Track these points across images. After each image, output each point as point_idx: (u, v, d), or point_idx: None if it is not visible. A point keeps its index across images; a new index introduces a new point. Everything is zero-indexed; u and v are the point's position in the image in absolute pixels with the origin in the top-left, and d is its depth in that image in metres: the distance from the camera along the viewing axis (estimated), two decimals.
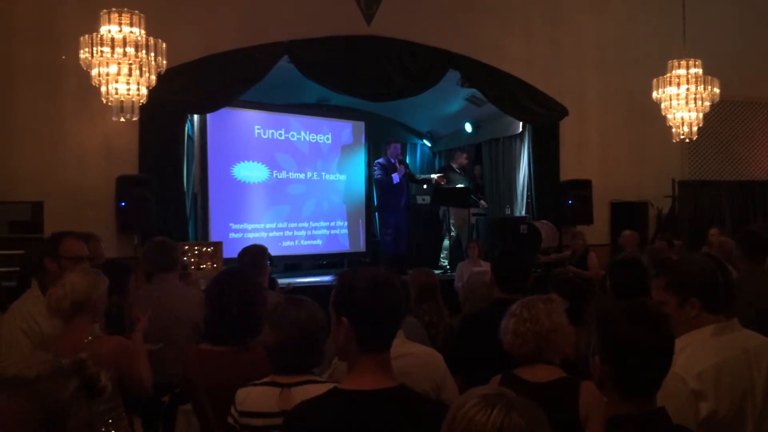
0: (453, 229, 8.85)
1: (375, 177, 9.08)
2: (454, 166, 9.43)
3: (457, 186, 9.00)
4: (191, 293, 3.53)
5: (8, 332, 2.98)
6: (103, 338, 2.85)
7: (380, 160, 9.05)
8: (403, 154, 11.53)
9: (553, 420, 1.32)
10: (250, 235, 7.99)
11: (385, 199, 9.13)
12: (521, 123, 8.89)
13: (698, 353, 2.05)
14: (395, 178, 8.77)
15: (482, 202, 9.33)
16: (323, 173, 9.09)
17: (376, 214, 10.02)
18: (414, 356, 2.60)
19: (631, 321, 1.64)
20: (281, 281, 6.18)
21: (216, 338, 2.67)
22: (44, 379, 1.15)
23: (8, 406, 1.09)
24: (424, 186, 9.66)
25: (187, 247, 6.22)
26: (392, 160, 8.90)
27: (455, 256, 8.60)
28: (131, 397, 2.86)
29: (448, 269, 8.47)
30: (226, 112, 7.72)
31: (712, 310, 2.14)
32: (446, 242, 8.98)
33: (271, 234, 8.37)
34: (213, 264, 6.59)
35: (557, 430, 1.38)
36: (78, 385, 1.21)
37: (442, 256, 9.03)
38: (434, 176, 9.29)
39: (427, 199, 9.61)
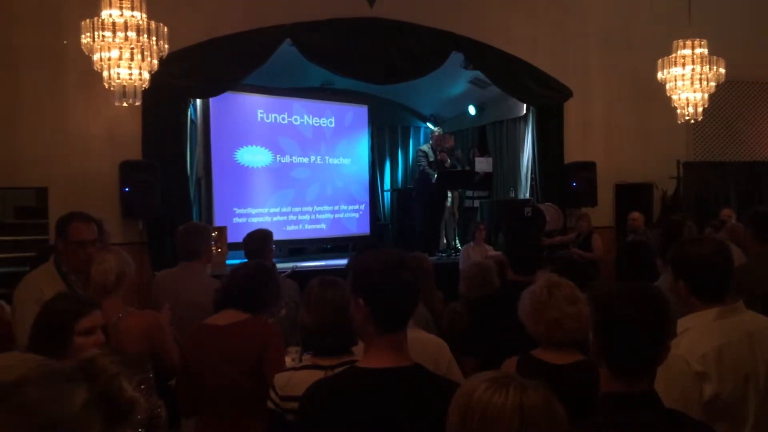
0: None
1: (417, 164, 8.86)
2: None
3: (464, 169, 8.92)
4: (211, 286, 3.37)
5: (20, 301, 3.05)
6: (134, 313, 2.93)
7: (425, 149, 8.77)
8: (407, 137, 11.46)
9: (574, 401, 1.32)
10: (254, 220, 8.01)
11: (420, 187, 8.88)
12: (525, 105, 8.84)
13: (702, 336, 2.06)
14: (434, 178, 8.49)
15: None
16: (327, 157, 9.08)
17: (394, 194, 10.29)
18: (419, 341, 2.60)
19: (623, 300, 1.63)
20: (284, 265, 6.17)
21: (222, 303, 2.78)
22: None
23: None
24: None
25: None
26: (437, 153, 8.62)
27: (450, 240, 8.76)
28: (160, 374, 2.91)
29: (452, 252, 8.49)
30: (228, 96, 7.70)
31: (702, 297, 2.13)
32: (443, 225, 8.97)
33: (275, 218, 8.37)
34: (217, 249, 6.60)
35: (580, 411, 1.39)
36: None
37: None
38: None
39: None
